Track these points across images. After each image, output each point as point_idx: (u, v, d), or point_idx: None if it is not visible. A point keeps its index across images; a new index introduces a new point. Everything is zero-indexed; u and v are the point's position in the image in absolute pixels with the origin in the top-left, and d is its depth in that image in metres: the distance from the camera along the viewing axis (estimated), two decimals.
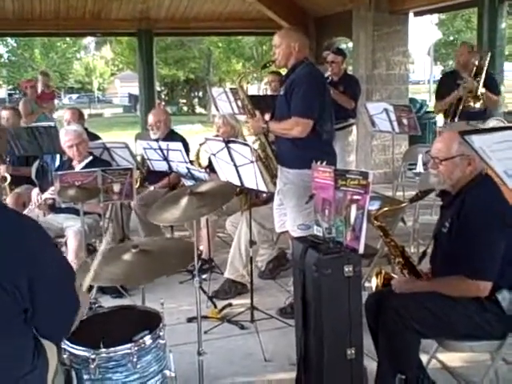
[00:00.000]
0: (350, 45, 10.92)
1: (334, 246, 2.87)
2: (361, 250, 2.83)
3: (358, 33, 9.33)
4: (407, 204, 3.44)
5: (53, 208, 4.91)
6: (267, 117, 4.33)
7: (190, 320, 4.17)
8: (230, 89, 6.73)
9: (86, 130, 5.48)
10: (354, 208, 2.87)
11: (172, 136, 5.80)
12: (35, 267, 1.90)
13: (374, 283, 3.17)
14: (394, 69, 9.31)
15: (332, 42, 11.08)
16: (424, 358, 3.07)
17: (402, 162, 7.01)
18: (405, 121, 6.35)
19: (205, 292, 4.47)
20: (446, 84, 6.72)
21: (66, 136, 4.89)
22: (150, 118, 5.83)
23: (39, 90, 9.60)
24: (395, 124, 6.44)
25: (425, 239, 4.79)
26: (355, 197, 2.87)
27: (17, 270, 1.87)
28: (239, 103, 6.09)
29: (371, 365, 3.03)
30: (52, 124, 5.97)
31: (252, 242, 4.36)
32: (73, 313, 2.12)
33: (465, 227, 2.73)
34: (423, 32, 34.51)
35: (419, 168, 5.16)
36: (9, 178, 5.36)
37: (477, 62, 6.26)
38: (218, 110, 6.85)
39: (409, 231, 5.16)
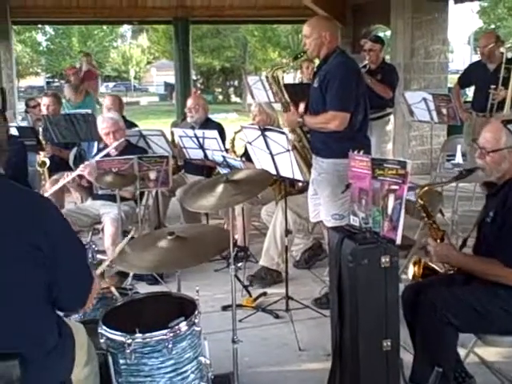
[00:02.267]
0: (388, 33, 10.77)
1: (371, 236, 2.82)
2: (398, 240, 2.79)
3: (396, 20, 9.17)
4: (452, 181, 3.35)
5: (89, 191, 4.95)
6: (302, 107, 4.28)
7: (224, 308, 4.19)
8: (266, 77, 6.70)
9: (123, 117, 5.53)
10: (391, 198, 2.83)
11: (208, 123, 5.81)
12: (53, 237, 1.97)
13: (411, 271, 3.12)
14: (432, 57, 9.13)
15: (370, 30, 10.93)
16: (462, 352, 3.03)
17: (441, 153, 6.89)
18: (444, 110, 6.23)
19: (240, 281, 4.47)
20: (472, 74, 6.62)
21: (103, 123, 4.94)
22: (189, 102, 5.88)
23: (83, 70, 9.77)
24: (434, 114, 6.32)
25: (463, 231, 4.70)
26: (393, 186, 2.83)
27: (39, 237, 1.93)
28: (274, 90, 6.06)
29: (407, 357, 2.99)
30: (89, 111, 6.02)
31: (287, 231, 4.34)
32: (89, 285, 2.17)
33: (509, 217, 2.66)
34: (463, 20, 33.85)
35: (458, 159, 5.07)
36: (48, 163, 5.43)
37: (504, 53, 6.11)
38: (253, 98, 6.83)
39: (447, 223, 5.07)
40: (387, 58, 8.71)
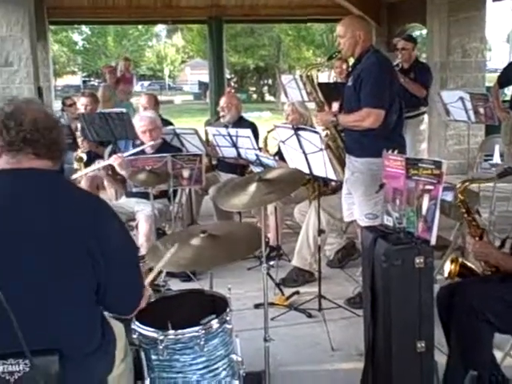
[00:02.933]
0: (424, 31, 10.63)
1: (405, 237, 2.80)
2: (433, 241, 2.75)
3: (433, 18, 9.04)
4: (495, 178, 3.29)
5: (124, 185, 5.00)
6: (336, 105, 4.26)
7: (256, 306, 4.19)
8: (300, 76, 6.69)
9: (159, 116, 5.58)
10: (426, 198, 2.79)
11: (242, 122, 5.83)
12: (105, 239, 1.98)
13: (447, 268, 3.07)
14: (470, 56, 8.98)
15: (405, 28, 10.81)
16: (498, 355, 2.97)
17: (478, 153, 6.77)
18: (481, 110, 6.11)
19: (272, 279, 4.47)
20: (511, 73, 6.49)
21: (141, 121, 5.00)
22: (222, 101, 5.91)
23: (118, 74, 9.89)
24: (471, 113, 6.21)
25: (501, 232, 4.62)
26: (428, 187, 2.78)
27: (90, 239, 1.94)
28: (309, 90, 6.05)
29: (442, 359, 2.95)
30: (124, 110, 6.09)
31: (320, 231, 4.32)
32: (140, 292, 2.18)
33: None
34: (502, 18, 33.25)
35: (496, 159, 4.98)
36: (85, 158, 5.51)
37: None
38: (287, 97, 6.82)
39: (484, 223, 4.99)
40: (423, 56, 8.62)
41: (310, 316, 4.10)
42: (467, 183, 2.98)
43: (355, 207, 4.10)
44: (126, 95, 9.47)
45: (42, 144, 1.98)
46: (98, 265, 1.95)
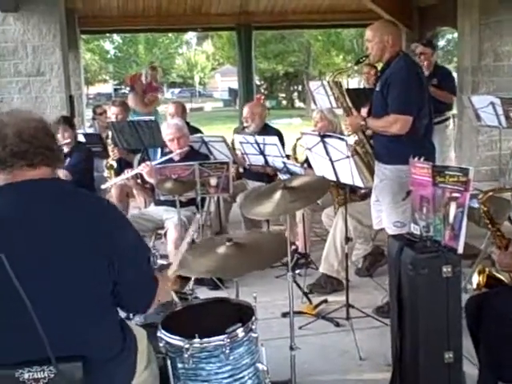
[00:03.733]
0: (456, 35, 10.51)
1: (432, 245, 2.77)
2: (460, 249, 2.71)
3: (464, 22, 8.92)
4: None
5: (153, 193, 5.05)
6: (364, 111, 4.24)
7: (284, 315, 4.17)
8: (328, 82, 6.66)
9: (187, 123, 5.61)
10: (453, 206, 2.76)
11: (267, 130, 5.83)
12: (115, 239, 2.00)
13: (475, 280, 3.03)
14: (502, 60, 8.83)
15: (436, 32, 10.70)
16: None
17: (510, 159, 6.66)
18: None
19: (300, 287, 4.46)
20: None
21: (168, 129, 5.04)
22: (245, 111, 5.91)
23: (146, 82, 9.97)
24: (502, 118, 6.12)
25: None
26: (454, 194, 2.75)
27: (107, 247, 1.97)
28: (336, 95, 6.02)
29: (471, 370, 2.90)
30: (152, 118, 6.15)
31: (348, 239, 4.29)
32: (153, 290, 2.19)
33: None
34: None
35: None
36: (115, 166, 5.58)
37: None
38: (315, 103, 6.79)
39: None
40: (454, 60, 8.50)
41: (337, 325, 4.07)
42: (489, 194, 2.92)
43: (383, 215, 4.07)
44: (152, 106, 9.55)
45: (32, 153, 1.96)
46: (112, 265, 1.98)
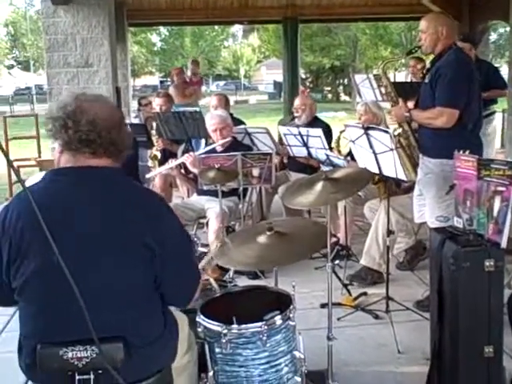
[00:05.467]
0: (508, 29, 10.25)
1: (474, 239, 2.73)
2: (503, 244, 2.67)
3: None
4: None
5: (196, 183, 5.11)
6: (411, 104, 4.20)
7: (323, 306, 4.18)
8: (374, 75, 6.61)
9: (231, 115, 5.66)
10: (497, 200, 2.72)
11: (316, 122, 5.83)
12: (160, 233, 2.03)
13: None
14: None
15: (487, 26, 10.46)
16: None
17: None
18: None
19: (339, 279, 4.46)
20: None
21: (212, 120, 5.09)
22: (296, 101, 5.92)
23: (187, 77, 10.07)
24: None
25: None
26: (499, 188, 2.71)
27: (151, 237, 2.00)
28: (382, 90, 5.96)
29: (510, 364, 2.86)
30: (197, 109, 6.21)
31: (390, 232, 4.27)
32: (195, 285, 2.23)
33: None
34: None
35: None
36: (159, 156, 5.66)
37: None
38: (360, 96, 6.75)
39: None
40: (506, 55, 8.29)
41: (376, 317, 4.06)
42: None
43: (426, 209, 4.03)
44: (195, 100, 9.64)
45: (98, 144, 2.03)
46: (155, 257, 2.01)
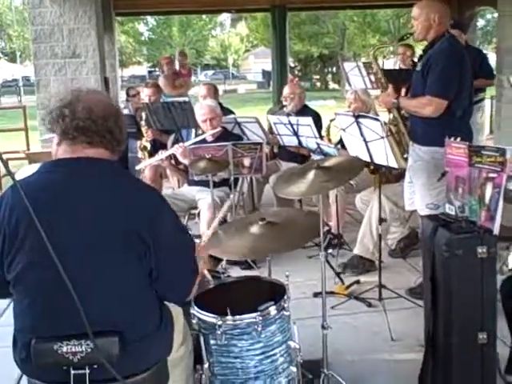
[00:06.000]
0: (496, 15, 10.25)
1: (467, 226, 2.73)
2: (496, 230, 2.67)
3: (504, 1, 8.70)
4: None
5: (187, 174, 5.09)
6: (403, 90, 4.19)
7: (316, 295, 4.19)
8: (363, 63, 6.59)
9: (220, 104, 5.63)
10: (489, 186, 2.71)
11: (305, 111, 5.81)
12: (155, 226, 2.00)
13: (511, 261, 2.99)
14: None
15: (475, 11, 10.45)
16: None
17: None
18: None
19: (332, 268, 4.46)
20: None
21: (201, 110, 5.06)
22: (285, 90, 5.91)
23: (176, 68, 10.00)
24: None
25: None
26: (491, 174, 2.71)
27: (140, 226, 1.98)
28: (372, 78, 5.95)
29: (505, 351, 2.88)
30: (186, 99, 6.17)
31: (381, 220, 4.27)
32: (192, 281, 2.20)
33: None
34: None
35: None
36: (149, 147, 5.63)
37: None
38: (350, 84, 6.73)
39: None
40: (493, 41, 8.29)
41: (369, 305, 4.07)
42: None
43: (416, 196, 4.03)
44: (185, 91, 9.58)
45: (93, 132, 2.01)
46: (151, 252, 1.99)
